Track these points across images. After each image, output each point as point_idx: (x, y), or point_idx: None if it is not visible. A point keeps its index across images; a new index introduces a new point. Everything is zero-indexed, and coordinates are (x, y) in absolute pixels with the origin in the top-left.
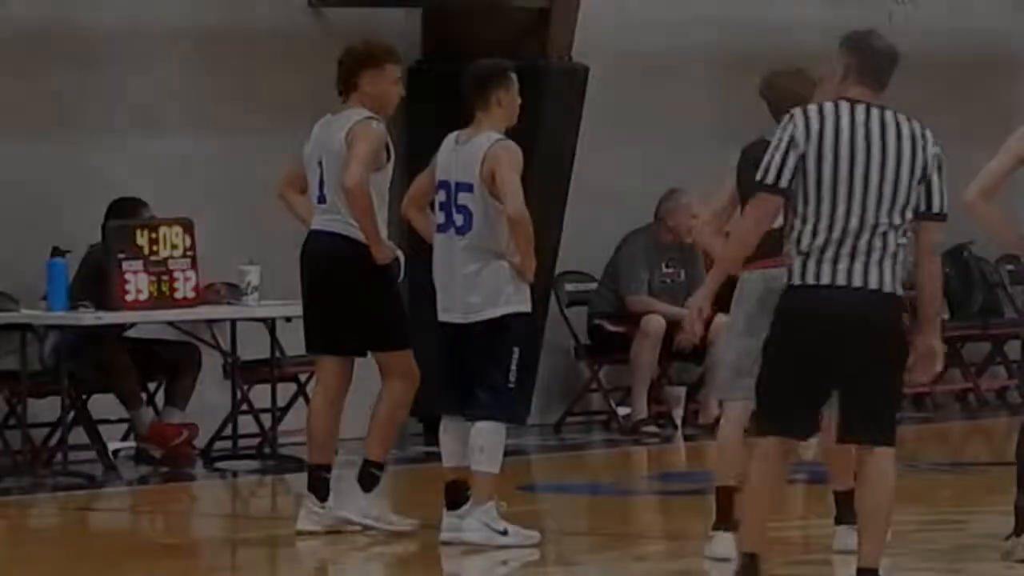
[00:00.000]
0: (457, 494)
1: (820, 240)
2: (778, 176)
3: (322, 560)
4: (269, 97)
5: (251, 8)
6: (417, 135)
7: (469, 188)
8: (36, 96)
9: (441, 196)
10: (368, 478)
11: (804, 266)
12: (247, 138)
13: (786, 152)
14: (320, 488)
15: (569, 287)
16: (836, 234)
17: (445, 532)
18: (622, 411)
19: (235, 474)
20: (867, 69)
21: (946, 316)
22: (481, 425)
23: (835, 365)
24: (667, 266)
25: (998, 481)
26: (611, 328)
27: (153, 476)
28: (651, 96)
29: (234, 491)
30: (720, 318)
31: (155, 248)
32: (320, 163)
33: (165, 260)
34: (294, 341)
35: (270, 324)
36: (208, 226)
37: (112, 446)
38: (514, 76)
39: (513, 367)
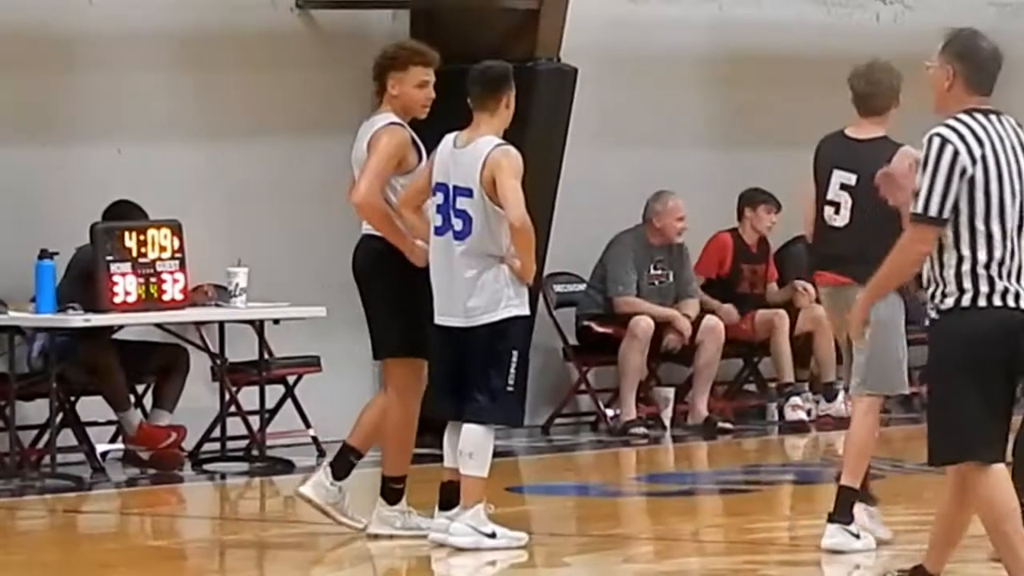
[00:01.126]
0: (453, 495)
1: (996, 258)
2: (941, 208)
3: (310, 561)
4: (257, 99)
5: (239, 11)
6: None
7: (468, 193)
8: (24, 98)
9: (439, 199)
10: (389, 493)
11: (979, 287)
12: (235, 140)
13: (948, 180)
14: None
15: (558, 288)
16: (1008, 251)
17: (434, 533)
18: (610, 412)
19: (223, 476)
20: (979, 76)
21: (935, 316)
22: (472, 428)
23: (1016, 384)
24: (655, 267)
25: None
26: (599, 329)
27: (141, 478)
28: (640, 97)
29: (222, 493)
30: (709, 320)
31: (143, 250)
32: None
33: (153, 262)
34: (282, 343)
35: (258, 326)
36: (196, 228)
37: (100, 448)
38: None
39: (512, 370)
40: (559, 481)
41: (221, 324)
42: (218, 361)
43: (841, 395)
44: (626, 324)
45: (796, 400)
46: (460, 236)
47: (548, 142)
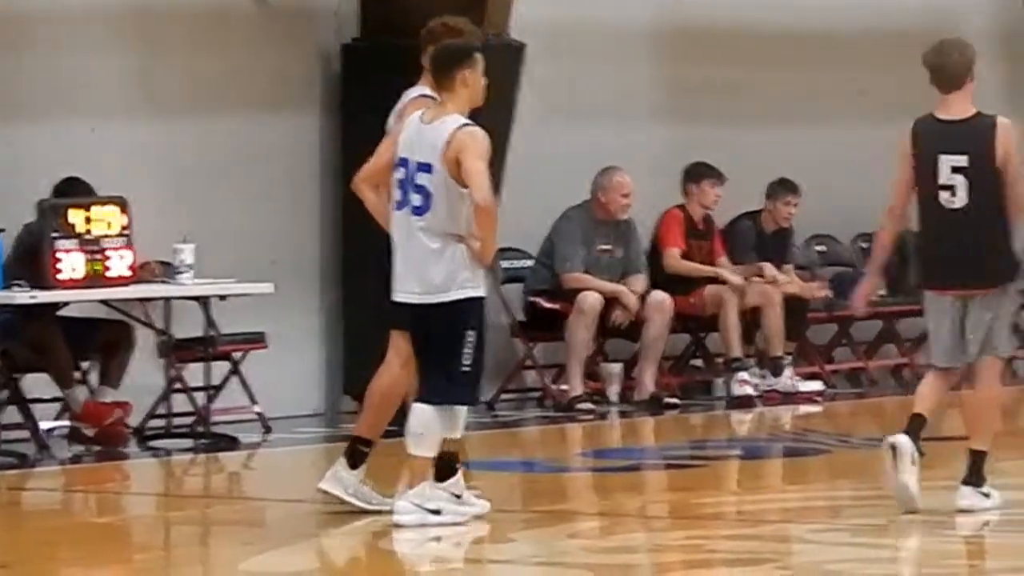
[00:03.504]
0: (446, 469)
1: None
2: None
3: (256, 537)
4: (204, 76)
5: None
6: (354, 112)
7: (428, 169)
8: None
9: (399, 173)
10: (354, 454)
11: None
12: (183, 117)
13: None
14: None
15: (505, 264)
16: None
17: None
18: (557, 388)
19: (169, 453)
20: None
21: (882, 292)
22: (422, 408)
23: None
24: (603, 243)
25: (933, 456)
26: (546, 305)
27: (86, 455)
28: (588, 72)
29: (168, 470)
30: (656, 295)
31: (89, 227)
32: None
33: (99, 239)
34: (228, 320)
35: (204, 303)
36: (143, 205)
37: (45, 425)
38: (480, 56)
39: (467, 351)
40: (505, 457)
41: (167, 301)
42: (164, 338)
43: (788, 370)
44: (573, 300)
45: (743, 375)
46: (419, 211)
47: (496, 118)
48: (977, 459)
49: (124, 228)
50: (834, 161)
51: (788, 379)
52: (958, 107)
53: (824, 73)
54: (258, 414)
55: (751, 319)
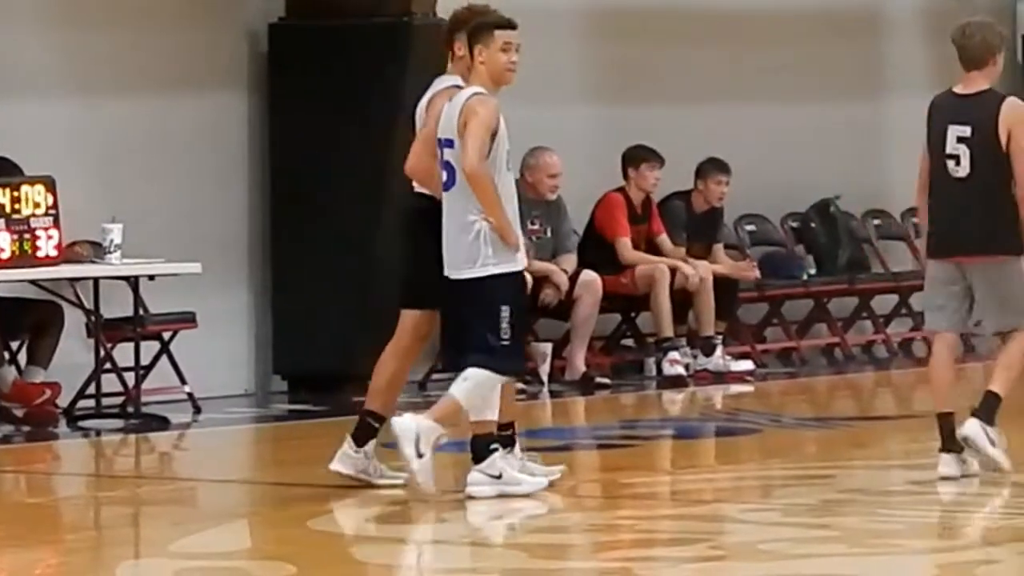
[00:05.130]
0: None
1: None
2: None
3: (186, 518)
4: (130, 54)
5: None
6: (281, 92)
7: (451, 144)
8: None
9: (438, 154)
10: (365, 428)
11: None
12: (109, 95)
13: None
14: (363, 434)
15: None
16: None
17: (470, 487)
18: None
19: (98, 433)
20: None
21: (812, 271)
22: (472, 373)
23: None
24: (532, 222)
25: (864, 435)
26: None
27: (15, 435)
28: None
29: (97, 450)
30: (587, 275)
31: (17, 206)
32: None
33: (27, 218)
34: (157, 299)
35: (133, 282)
36: (71, 184)
37: None
38: (499, 33)
39: (504, 324)
40: None
41: (96, 280)
42: (93, 318)
43: (719, 350)
44: None
45: (674, 355)
46: (446, 187)
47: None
48: (991, 399)
49: (51, 208)
50: (764, 140)
51: (719, 359)
52: (973, 83)
53: (752, 52)
54: (188, 394)
55: (682, 299)
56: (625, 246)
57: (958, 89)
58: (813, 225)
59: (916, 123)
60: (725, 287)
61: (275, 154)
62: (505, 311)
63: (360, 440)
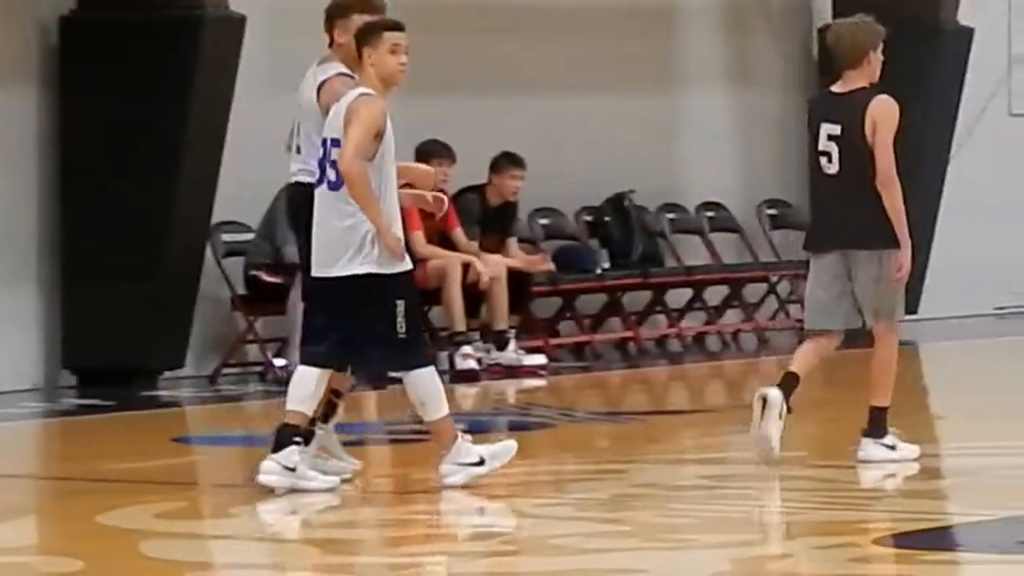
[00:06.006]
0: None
1: None
2: None
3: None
4: None
5: None
6: (72, 86)
7: (337, 144)
8: None
9: (320, 152)
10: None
11: None
12: None
13: None
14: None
15: (226, 237)
16: None
17: (262, 475)
18: (278, 362)
19: None
20: None
21: (606, 265)
22: (414, 375)
23: None
24: None
25: (657, 430)
26: (268, 279)
27: None
28: (308, 45)
29: None
30: None
31: None
32: None
33: None
34: None
35: None
36: None
37: None
38: (387, 35)
39: (400, 319)
40: (226, 431)
41: None
42: None
43: (512, 344)
44: (294, 273)
45: (467, 349)
46: (334, 187)
47: (215, 90)
48: (876, 414)
49: None
50: (558, 133)
51: (512, 353)
52: (851, 84)
53: (548, 44)
54: None
55: (475, 293)
56: (418, 240)
57: (835, 88)
58: (607, 219)
59: (710, 116)
60: (518, 281)
61: (66, 148)
62: (400, 305)
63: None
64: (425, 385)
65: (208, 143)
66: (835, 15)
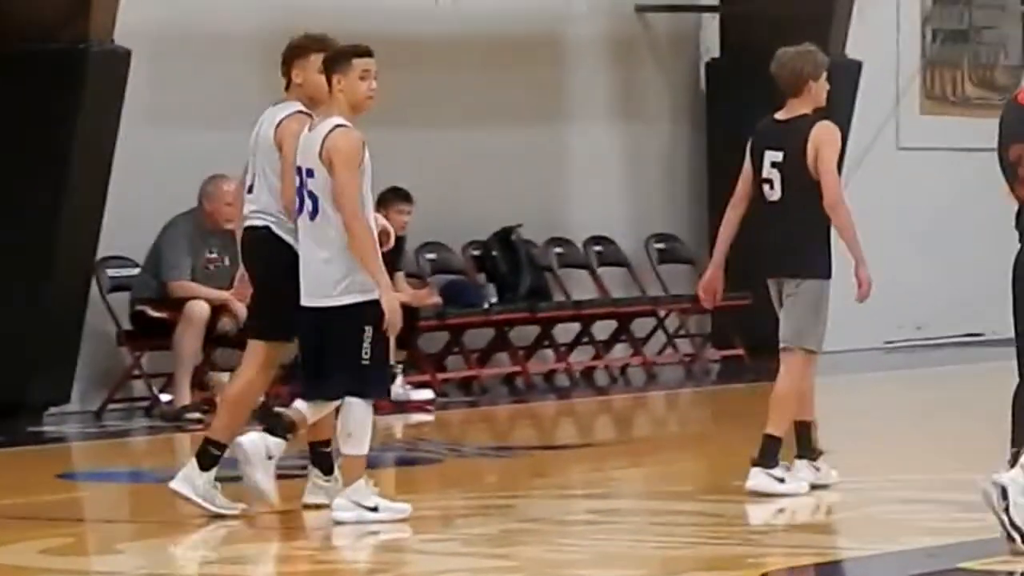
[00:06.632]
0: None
1: None
2: None
3: None
4: None
5: None
6: None
7: (312, 174)
8: None
9: (297, 181)
10: (206, 456)
11: None
12: None
13: None
14: (324, 462)
15: (111, 272)
16: None
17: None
18: (164, 397)
19: None
20: None
21: (494, 300)
22: (352, 404)
23: None
24: (211, 251)
25: (545, 465)
26: (154, 314)
27: None
28: (196, 79)
29: None
30: None
31: None
32: None
33: None
34: None
35: None
36: None
37: None
38: (356, 62)
39: (366, 345)
40: (112, 467)
41: None
42: None
43: (400, 379)
44: (181, 308)
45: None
46: (312, 216)
47: (101, 125)
48: (769, 443)
49: None
50: (445, 167)
51: (399, 388)
52: (793, 111)
53: (433, 77)
54: None
55: None
56: None
57: (779, 115)
58: (495, 253)
59: (597, 150)
60: (405, 316)
61: None
62: (367, 332)
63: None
64: (360, 418)
65: (93, 177)
66: (723, 48)
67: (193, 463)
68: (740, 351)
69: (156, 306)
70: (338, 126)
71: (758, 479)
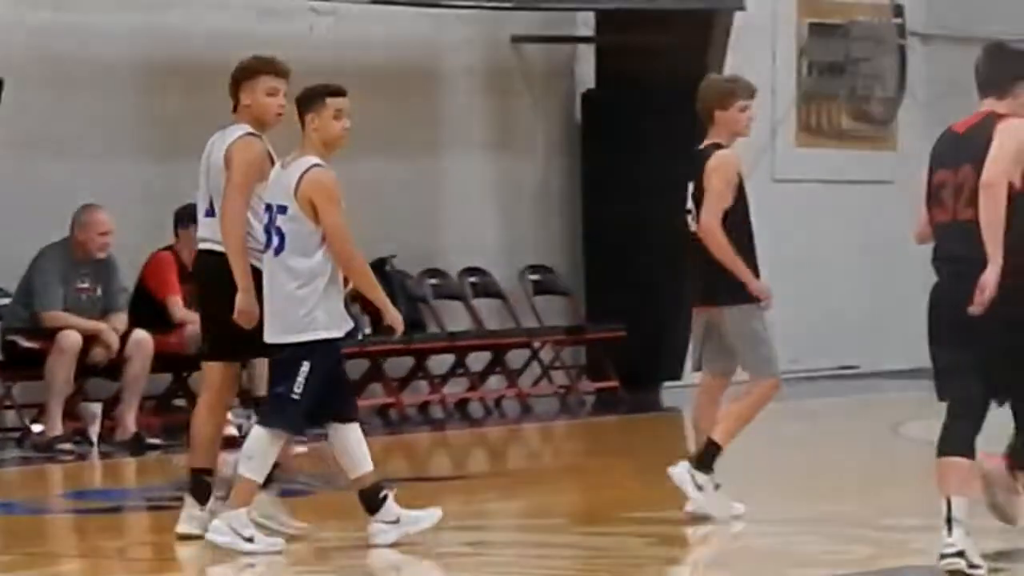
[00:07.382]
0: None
1: None
2: None
3: None
4: None
5: None
6: None
7: (284, 210)
8: None
9: (265, 218)
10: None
11: None
12: None
13: None
14: (201, 492)
15: None
16: None
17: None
18: (36, 428)
19: None
20: None
21: (368, 331)
22: (258, 432)
23: None
24: (82, 281)
25: (418, 496)
26: (25, 344)
27: None
28: (69, 106)
29: None
30: (137, 334)
31: None
32: None
33: None
34: None
35: None
36: None
37: None
38: (330, 101)
39: (300, 379)
40: None
41: None
42: None
43: None
44: (52, 338)
45: (227, 416)
46: (277, 252)
47: None
48: (710, 447)
49: None
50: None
51: None
52: (708, 140)
53: None
54: None
55: None
56: (176, 304)
57: (700, 145)
58: None
59: (472, 181)
60: None
61: None
62: (304, 367)
63: (201, 499)
64: (267, 445)
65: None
66: (598, 79)
67: (190, 501)
68: (615, 383)
69: (28, 336)
70: (315, 165)
71: (681, 473)
